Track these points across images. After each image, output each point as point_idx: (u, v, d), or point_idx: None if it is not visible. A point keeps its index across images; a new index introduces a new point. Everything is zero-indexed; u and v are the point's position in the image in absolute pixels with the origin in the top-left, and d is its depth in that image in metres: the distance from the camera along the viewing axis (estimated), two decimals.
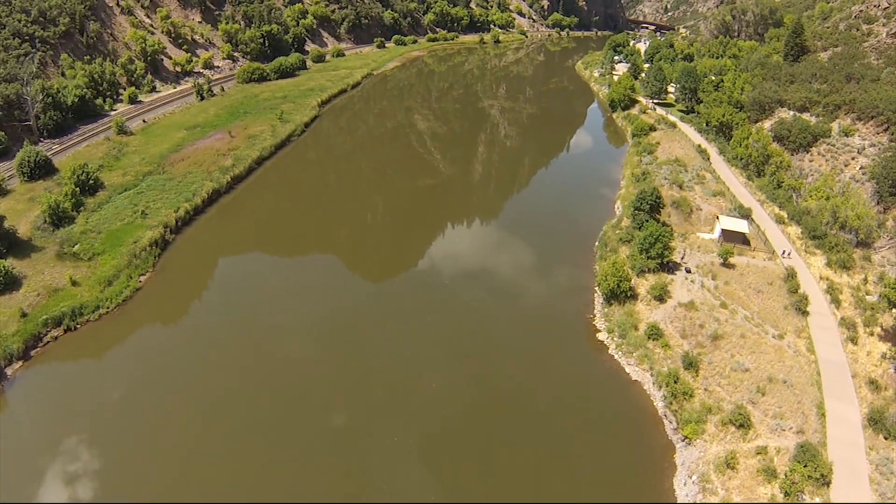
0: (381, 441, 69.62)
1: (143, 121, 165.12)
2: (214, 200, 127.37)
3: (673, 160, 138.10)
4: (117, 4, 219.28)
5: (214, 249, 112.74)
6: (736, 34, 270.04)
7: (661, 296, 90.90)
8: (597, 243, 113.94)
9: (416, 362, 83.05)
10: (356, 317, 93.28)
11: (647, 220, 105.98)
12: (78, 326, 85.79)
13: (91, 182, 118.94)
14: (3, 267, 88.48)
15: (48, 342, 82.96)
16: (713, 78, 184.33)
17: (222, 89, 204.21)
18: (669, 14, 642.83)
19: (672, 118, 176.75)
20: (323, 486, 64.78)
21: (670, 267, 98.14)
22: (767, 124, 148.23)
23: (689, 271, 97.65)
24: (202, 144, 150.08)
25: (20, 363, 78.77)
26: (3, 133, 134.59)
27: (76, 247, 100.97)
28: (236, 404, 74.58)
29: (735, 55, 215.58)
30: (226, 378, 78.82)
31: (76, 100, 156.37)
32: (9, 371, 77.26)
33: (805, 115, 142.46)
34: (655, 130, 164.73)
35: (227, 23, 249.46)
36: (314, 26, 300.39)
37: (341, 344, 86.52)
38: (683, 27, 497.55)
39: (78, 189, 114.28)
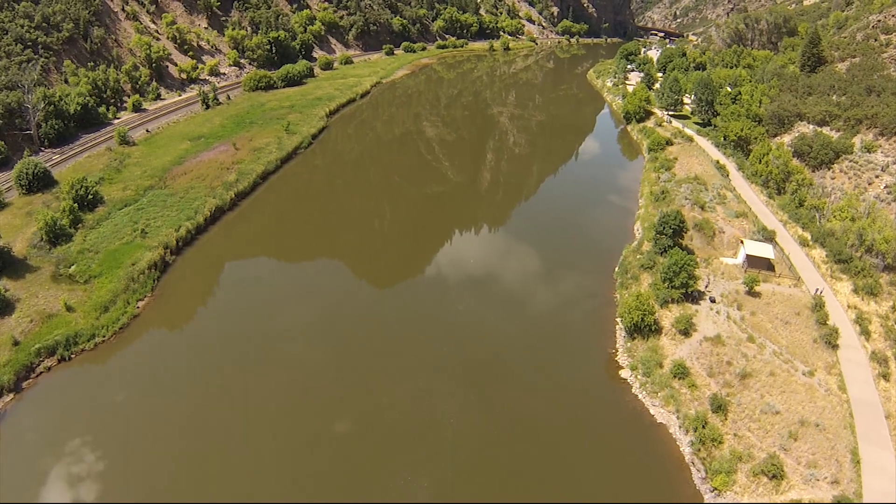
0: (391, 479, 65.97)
1: (147, 130, 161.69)
2: (217, 218, 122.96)
3: (692, 178, 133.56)
4: (122, 10, 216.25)
5: (216, 271, 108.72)
6: (749, 43, 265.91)
7: (686, 329, 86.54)
8: (616, 268, 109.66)
9: (428, 395, 79.32)
10: (363, 336, 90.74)
11: (671, 246, 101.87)
12: (72, 356, 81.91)
13: (90, 197, 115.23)
14: None
15: (41, 373, 79.07)
16: (729, 90, 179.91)
17: (228, 97, 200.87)
18: (678, 21, 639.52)
19: (689, 132, 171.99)
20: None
21: (694, 296, 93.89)
22: (787, 139, 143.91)
23: (713, 301, 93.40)
24: (206, 157, 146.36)
25: (11, 396, 74.91)
26: (2, 142, 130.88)
27: (72, 268, 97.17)
28: (239, 439, 70.83)
29: (750, 65, 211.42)
30: (228, 408, 75.22)
31: (79, 108, 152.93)
32: None
33: (825, 130, 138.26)
34: (672, 145, 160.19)
35: (233, 29, 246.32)
36: (322, 33, 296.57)
37: (350, 368, 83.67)
38: (693, 34, 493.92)
39: (76, 205, 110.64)
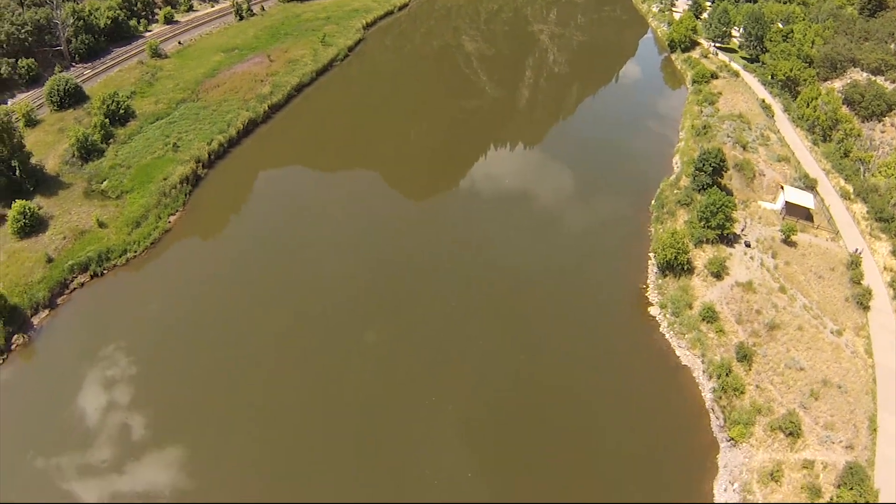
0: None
1: (179, 42, 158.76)
2: (250, 131, 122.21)
3: (736, 115, 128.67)
4: None
5: (249, 185, 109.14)
6: None
7: (718, 272, 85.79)
8: (653, 202, 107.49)
9: (458, 314, 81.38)
10: (394, 250, 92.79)
11: (709, 184, 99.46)
12: (105, 272, 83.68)
13: (121, 112, 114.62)
14: (30, 209, 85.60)
15: (74, 289, 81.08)
16: (781, 27, 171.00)
17: (262, 9, 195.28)
18: None
19: (735, 66, 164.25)
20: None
21: (730, 239, 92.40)
22: (838, 84, 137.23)
23: (748, 245, 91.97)
24: (239, 69, 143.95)
25: (46, 312, 77.13)
26: (32, 60, 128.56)
27: (104, 184, 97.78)
28: (269, 348, 73.94)
29: (805, 2, 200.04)
30: (259, 318, 78.04)
31: (109, 22, 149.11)
32: (35, 320, 75.67)
33: (879, 79, 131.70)
34: (717, 78, 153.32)
35: None
36: None
37: (380, 281, 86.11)
38: None
39: (107, 120, 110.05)
